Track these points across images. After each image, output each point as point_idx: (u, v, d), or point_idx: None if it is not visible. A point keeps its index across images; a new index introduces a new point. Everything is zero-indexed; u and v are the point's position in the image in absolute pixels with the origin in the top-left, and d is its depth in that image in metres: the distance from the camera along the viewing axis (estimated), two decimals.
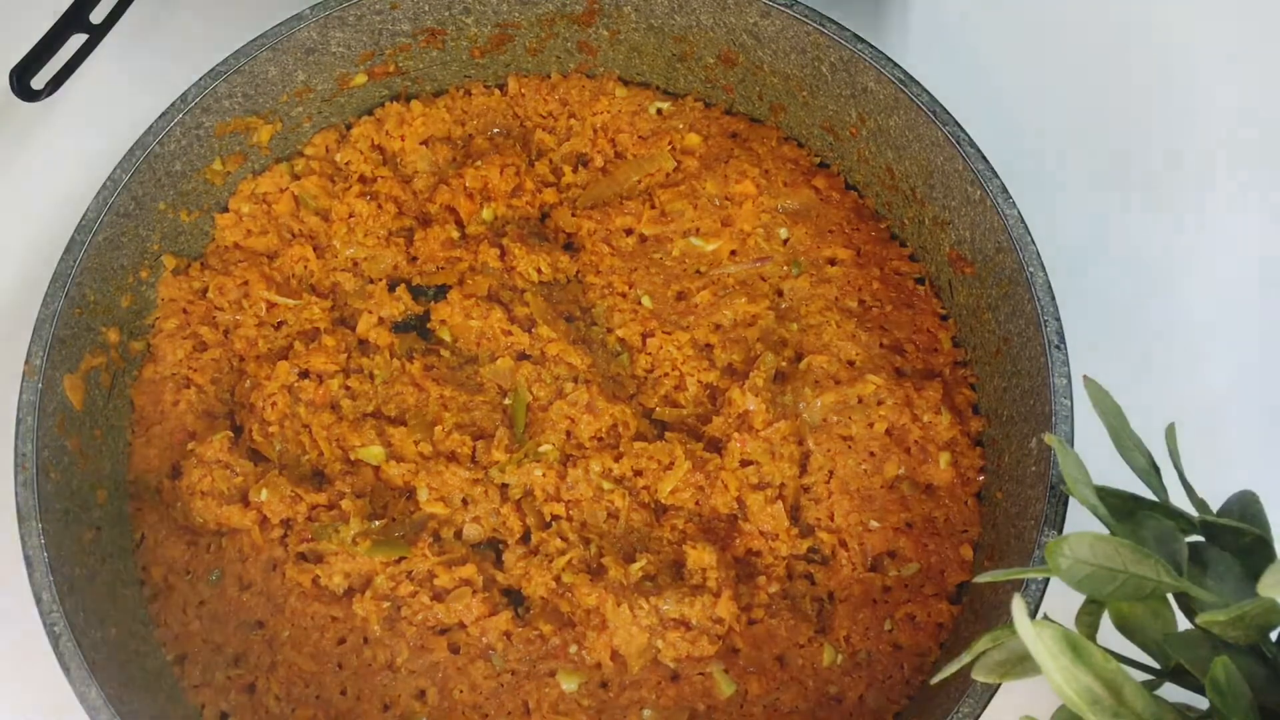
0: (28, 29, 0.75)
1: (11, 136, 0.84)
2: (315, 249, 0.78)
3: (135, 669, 0.66)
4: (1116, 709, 0.46)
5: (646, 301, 0.77)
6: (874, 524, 0.70)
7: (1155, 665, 0.53)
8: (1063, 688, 0.46)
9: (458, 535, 0.71)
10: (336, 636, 0.69)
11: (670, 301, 0.77)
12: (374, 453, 0.71)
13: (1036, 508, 0.62)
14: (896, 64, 0.72)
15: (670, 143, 0.81)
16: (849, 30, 0.73)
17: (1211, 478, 0.57)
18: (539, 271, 0.77)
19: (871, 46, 0.72)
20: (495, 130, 0.83)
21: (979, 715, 0.59)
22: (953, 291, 0.75)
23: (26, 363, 0.68)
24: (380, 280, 0.78)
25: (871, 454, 0.71)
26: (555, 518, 0.71)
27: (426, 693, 0.68)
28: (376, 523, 0.70)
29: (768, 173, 0.79)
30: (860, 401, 0.72)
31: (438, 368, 0.75)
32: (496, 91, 0.84)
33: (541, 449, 0.72)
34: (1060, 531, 0.61)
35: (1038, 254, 0.67)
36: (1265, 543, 0.52)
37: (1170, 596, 0.52)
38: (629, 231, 0.79)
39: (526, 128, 0.83)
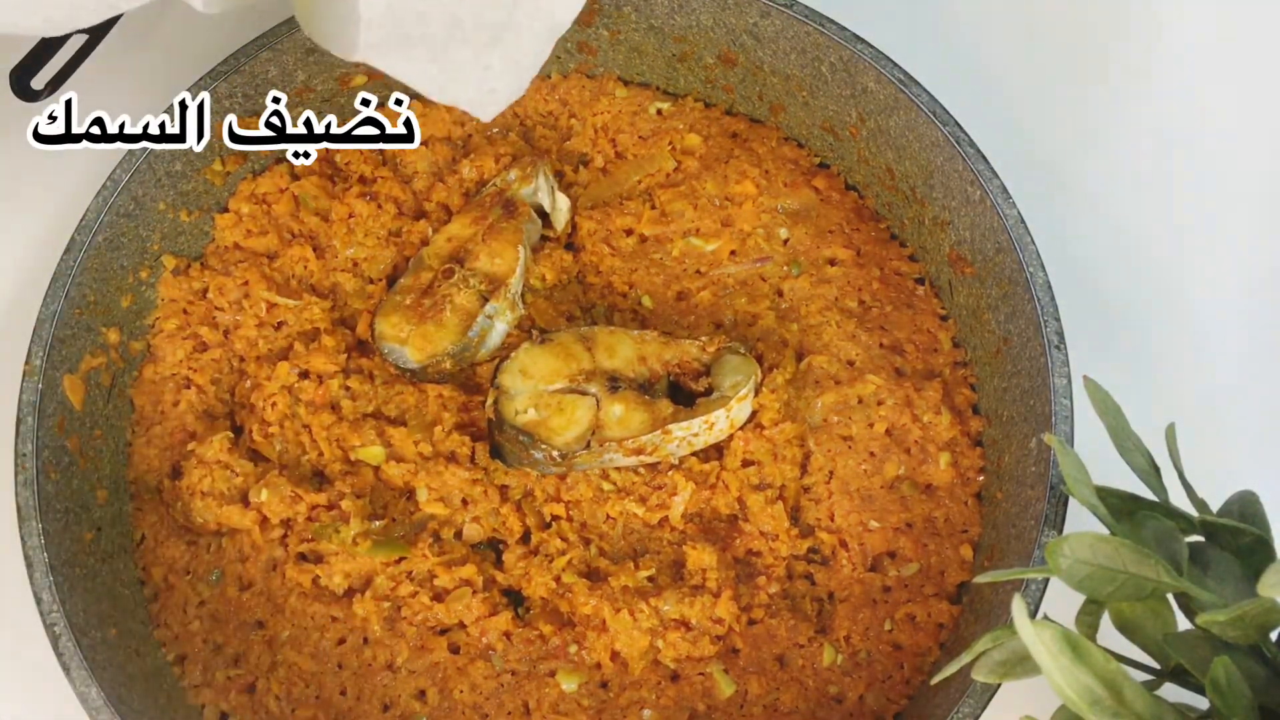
0: None
1: (11, 136, 0.84)
2: (315, 249, 0.78)
3: (135, 669, 0.66)
4: (1116, 709, 0.46)
5: (646, 301, 0.77)
6: (874, 524, 0.70)
7: (1155, 665, 0.54)
8: (1063, 688, 0.46)
9: (458, 535, 0.71)
10: (336, 637, 0.69)
11: (670, 301, 0.77)
12: (374, 453, 0.71)
13: (1036, 508, 0.62)
14: (896, 64, 0.72)
15: (670, 143, 0.81)
16: (849, 30, 0.73)
17: (1211, 478, 0.57)
18: (542, 279, 0.77)
19: (871, 46, 0.72)
20: (495, 130, 0.83)
21: (979, 715, 0.59)
22: (953, 291, 0.75)
23: (26, 363, 0.68)
24: (380, 280, 0.78)
25: (871, 454, 0.71)
26: (555, 518, 0.71)
27: (426, 693, 0.68)
28: (376, 523, 0.70)
29: (768, 173, 0.79)
30: (860, 402, 0.72)
31: None
32: None
33: None
34: (1060, 531, 0.61)
35: (1038, 254, 0.67)
36: (1265, 543, 0.52)
37: (1170, 596, 0.52)
38: (629, 232, 0.79)
39: (526, 127, 0.83)
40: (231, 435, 0.72)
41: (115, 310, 0.74)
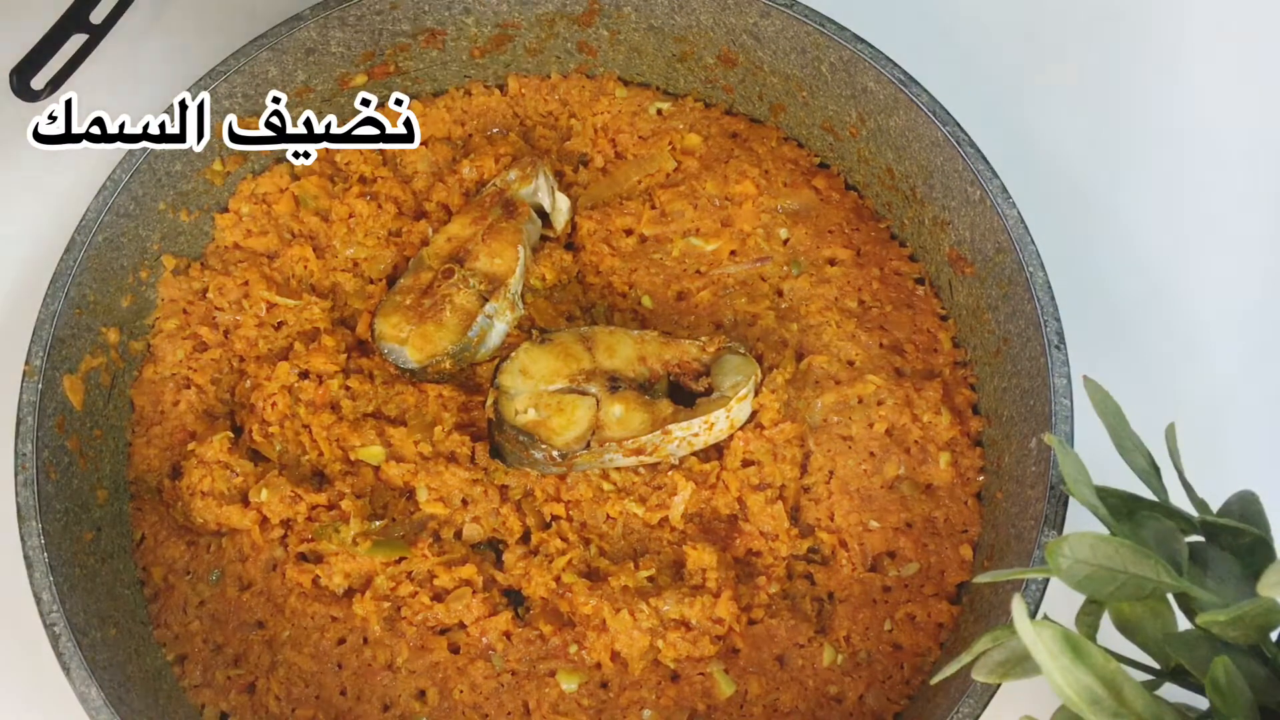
0: (28, 29, 0.75)
1: (11, 136, 0.84)
2: (315, 249, 0.78)
3: (135, 669, 0.66)
4: (1116, 709, 0.46)
5: (646, 301, 0.77)
6: (874, 524, 0.70)
7: (1155, 665, 0.53)
8: (1063, 688, 0.46)
9: (458, 535, 0.71)
10: (336, 636, 0.69)
11: (670, 301, 0.77)
12: (374, 453, 0.71)
13: (1036, 508, 0.62)
14: (896, 64, 0.72)
15: (670, 143, 0.81)
16: (849, 30, 0.73)
17: (1211, 478, 0.57)
18: (542, 279, 0.77)
19: (871, 46, 0.72)
20: (495, 130, 0.83)
21: (979, 715, 0.59)
22: (953, 291, 0.75)
23: (26, 363, 0.68)
24: (380, 280, 0.78)
25: (871, 454, 0.71)
26: (555, 518, 0.71)
27: (426, 693, 0.68)
28: (376, 523, 0.70)
29: (768, 173, 0.79)
30: (860, 402, 0.72)
31: None
32: (496, 91, 0.84)
33: None
34: (1060, 531, 0.61)
35: (1038, 254, 0.67)
36: (1265, 543, 0.52)
37: (1170, 596, 0.52)
38: (629, 232, 0.79)
39: (526, 127, 0.83)
40: (231, 435, 0.72)
41: (115, 310, 0.74)
